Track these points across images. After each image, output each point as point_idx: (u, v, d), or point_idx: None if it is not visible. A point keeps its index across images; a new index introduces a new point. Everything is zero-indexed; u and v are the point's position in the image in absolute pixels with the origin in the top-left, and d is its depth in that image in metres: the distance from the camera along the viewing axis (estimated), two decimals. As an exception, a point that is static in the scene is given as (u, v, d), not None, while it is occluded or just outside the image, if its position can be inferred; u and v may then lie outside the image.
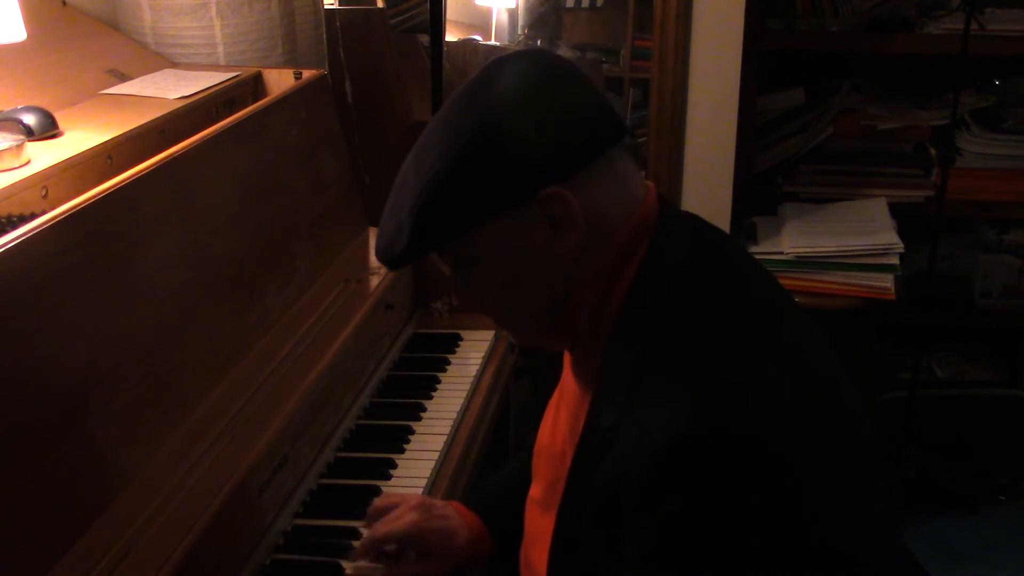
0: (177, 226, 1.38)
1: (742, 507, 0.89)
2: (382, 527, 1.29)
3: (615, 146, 1.03)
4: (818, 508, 0.93)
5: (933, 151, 2.62)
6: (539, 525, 1.15)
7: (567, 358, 1.15)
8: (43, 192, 1.32)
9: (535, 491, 1.20)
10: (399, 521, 1.29)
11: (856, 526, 0.97)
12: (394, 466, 1.51)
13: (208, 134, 1.49)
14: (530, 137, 0.98)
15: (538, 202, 0.98)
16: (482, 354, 1.85)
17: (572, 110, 1.00)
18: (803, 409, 0.95)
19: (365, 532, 1.31)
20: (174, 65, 1.91)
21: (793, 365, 0.98)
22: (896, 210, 2.50)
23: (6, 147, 1.33)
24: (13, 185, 1.28)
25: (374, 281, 1.79)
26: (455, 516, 1.33)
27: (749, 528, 0.90)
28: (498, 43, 3.06)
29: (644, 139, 2.51)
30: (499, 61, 1.03)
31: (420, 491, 1.45)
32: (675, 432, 0.90)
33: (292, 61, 2.04)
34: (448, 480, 1.51)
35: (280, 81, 1.90)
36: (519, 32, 3.15)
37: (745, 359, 0.95)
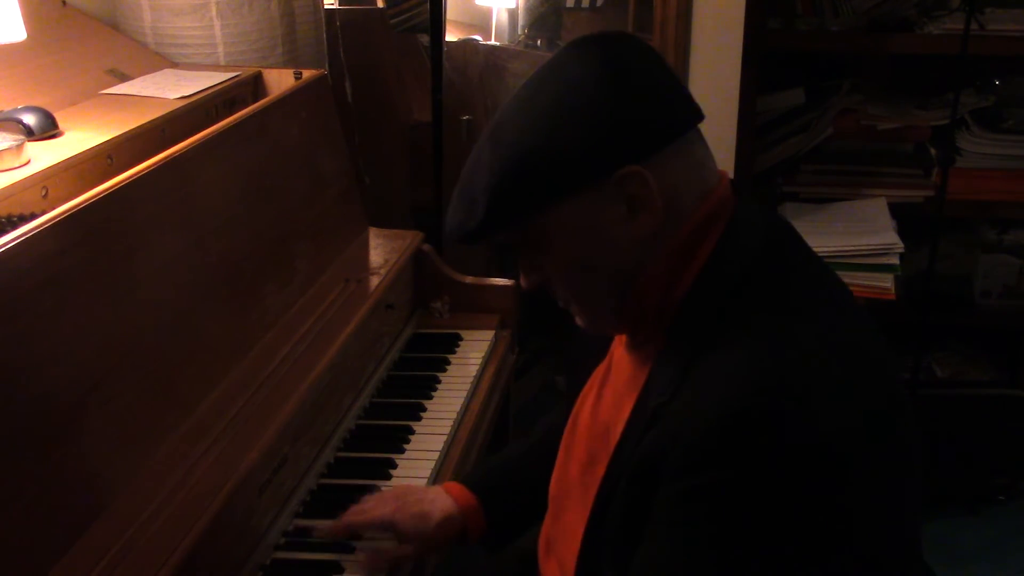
0: (177, 226, 1.38)
1: (783, 491, 0.89)
2: (353, 517, 1.30)
3: (691, 130, 1.03)
4: (859, 504, 0.92)
5: (933, 151, 2.62)
6: (571, 504, 1.15)
7: (619, 339, 1.15)
8: (43, 192, 1.32)
9: (567, 471, 1.19)
10: (371, 512, 1.30)
11: (892, 525, 0.97)
12: (394, 466, 1.51)
13: (208, 134, 1.49)
14: (611, 115, 0.98)
15: (616, 181, 0.98)
16: (482, 354, 1.85)
17: (652, 90, 1.00)
18: (862, 404, 0.95)
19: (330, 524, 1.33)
20: (174, 65, 1.91)
21: (856, 359, 0.98)
22: (896, 210, 2.50)
23: (6, 147, 1.33)
24: (13, 185, 1.28)
25: (374, 281, 1.79)
26: (435, 498, 1.33)
27: (785, 513, 0.89)
28: (498, 43, 3.06)
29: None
30: (579, 41, 1.03)
31: (420, 491, 1.45)
32: (730, 408, 0.90)
33: (292, 61, 2.04)
34: (448, 480, 1.50)
35: (280, 81, 1.90)
36: (519, 32, 3.15)
37: (809, 348, 0.95)
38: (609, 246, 1.01)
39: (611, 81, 0.99)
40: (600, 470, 1.08)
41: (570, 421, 1.22)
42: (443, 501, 1.33)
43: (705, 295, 1.00)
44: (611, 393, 1.13)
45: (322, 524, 1.32)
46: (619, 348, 1.14)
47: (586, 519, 1.08)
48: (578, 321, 1.11)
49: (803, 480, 0.89)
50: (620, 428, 1.06)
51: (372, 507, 1.32)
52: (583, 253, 1.02)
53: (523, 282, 1.10)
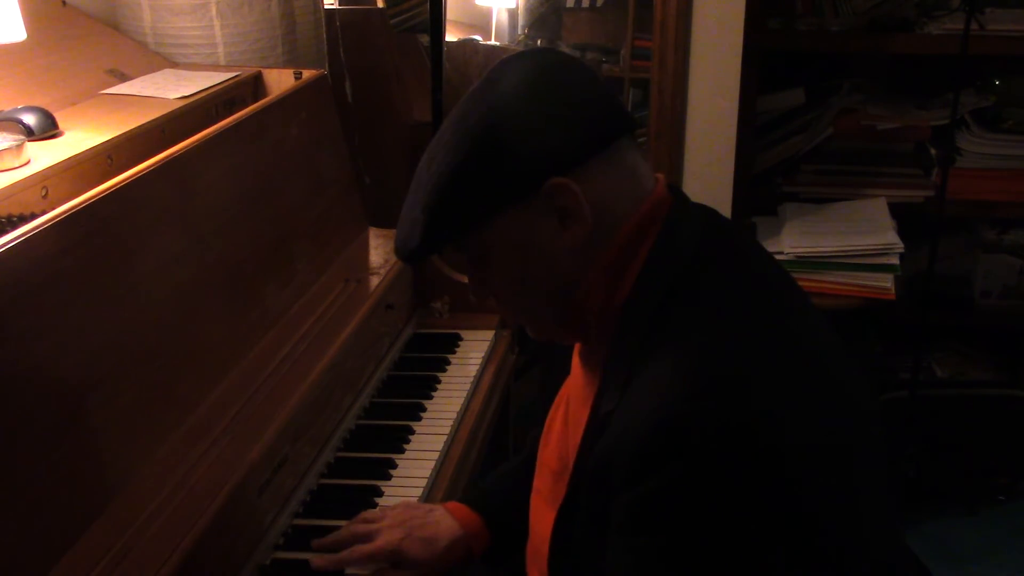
0: (177, 226, 1.38)
1: (723, 490, 0.90)
2: (362, 548, 1.28)
3: (622, 139, 1.04)
4: (801, 501, 0.93)
5: (933, 151, 2.62)
6: (545, 513, 1.16)
7: (576, 350, 1.16)
8: (43, 192, 1.32)
9: (539, 484, 1.21)
10: (378, 542, 1.29)
11: (844, 522, 0.97)
12: (394, 466, 1.51)
13: (208, 134, 1.49)
14: (533, 130, 1.00)
15: (544, 194, 1.00)
16: (482, 354, 1.85)
17: (575, 103, 1.02)
18: (797, 402, 0.95)
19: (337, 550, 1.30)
20: (174, 65, 1.91)
21: (793, 359, 0.99)
22: (896, 210, 2.50)
23: (6, 147, 1.33)
24: (13, 185, 1.28)
25: (374, 281, 1.79)
26: (439, 520, 1.33)
27: (726, 511, 0.90)
28: (498, 43, 3.06)
29: (644, 139, 2.51)
30: (504, 61, 1.06)
31: (420, 491, 1.45)
32: (664, 413, 0.91)
33: (292, 61, 2.04)
34: (448, 480, 1.50)
35: (280, 81, 1.90)
36: (519, 32, 3.15)
37: (742, 349, 0.96)
38: (545, 258, 1.03)
39: (533, 96, 1.01)
40: (566, 478, 1.10)
41: (543, 433, 1.23)
42: (448, 524, 1.33)
43: (642, 301, 1.02)
44: (573, 405, 1.14)
45: (321, 558, 1.29)
46: (576, 362, 1.16)
47: (551, 527, 1.10)
48: (528, 331, 1.14)
49: (741, 480, 0.90)
50: (579, 437, 1.08)
51: (378, 535, 1.30)
52: (520, 266, 1.05)
53: (471, 295, 1.13)
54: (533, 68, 1.04)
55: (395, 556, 1.28)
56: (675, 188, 1.08)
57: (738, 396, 0.92)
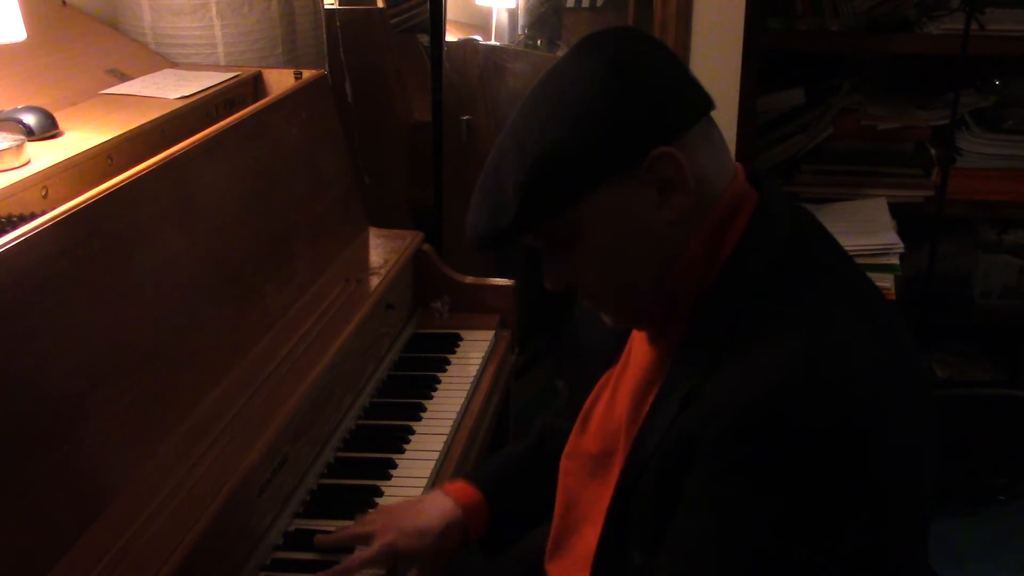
0: (177, 226, 1.38)
1: (820, 470, 0.89)
2: (353, 558, 1.27)
3: (707, 116, 1.04)
4: (890, 488, 0.93)
5: (933, 151, 2.62)
6: (586, 496, 1.16)
7: (636, 337, 1.15)
8: (43, 192, 1.32)
9: (580, 468, 1.19)
10: (373, 548, 1.27)
11: (920, 512, 0.99)
12: (394, 466, 1.51)
13: (208, 134, 1.49)
14: (638, 97, 0.98)
15: (648, 163, 0.98)
16: (482, 354, 1.85)
17: (669, 75, 1.02)
18: (896, 386, 0.95)
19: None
20: (174, 65, 1.91)
21: (888, 343, 0.99)
22: (896, 210, 2.50)
23: (6, 147, 1.33)
24: (13, 185, 1.28)
25: (374, 281, 1.79)
26: (429, 507, 1.31)
27: (820, 492, 0.90)
28: (498, 43, 3.06)
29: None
30: (590, 36, 1.04)
31: (420, 491, 1.45)
32: (768, 384, 0.90)
33: (292, 61, 2.04)
34: (448, 480, 1.50)
35: (280, 81, 1.90)
36: (519, 32, 3.15)
37: (844, 329, 0.95)
38: (645, 232, 1.01)
39: (633, 66, 0.99)
40: (618, 459, 1.08)
41: (578, 424, 1.22)
42: (441, 506, 1.31)
43: (738, 279, 1.00)
44: (628, 388, 1.12)
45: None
46: (639, 344, 1.13)
47: (606, 508, 1.08)
48: (606, 319, 1.10)
49: (841, 460, 0.89)
50: (642, 417, 1.06)
51: (373, 540, 1.28)
52: (617, 242, 1.02)
53: (548, 284, 1.09)
54: (627, 42, 1.02)
55: (392, 556, 1.27)
56: (758, 173, 1.08)
57: (849, 388, 0.91)
